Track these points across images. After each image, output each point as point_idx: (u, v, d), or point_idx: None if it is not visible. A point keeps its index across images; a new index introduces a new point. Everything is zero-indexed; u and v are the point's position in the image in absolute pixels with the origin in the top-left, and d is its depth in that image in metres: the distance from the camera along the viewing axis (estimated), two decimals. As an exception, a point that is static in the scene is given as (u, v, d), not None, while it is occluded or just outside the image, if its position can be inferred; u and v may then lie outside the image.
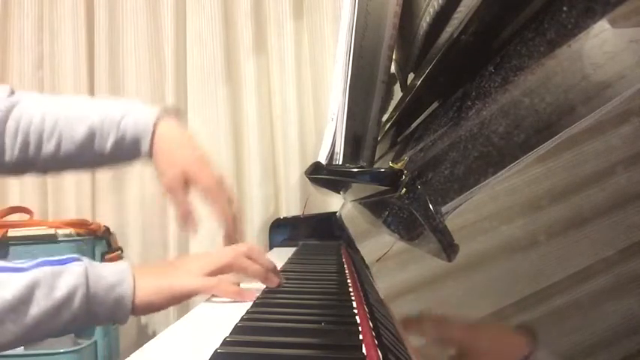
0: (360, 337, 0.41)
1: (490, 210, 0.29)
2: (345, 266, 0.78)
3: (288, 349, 0.39)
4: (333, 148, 0.63)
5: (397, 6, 0.62)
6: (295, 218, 1.37)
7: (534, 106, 0.27)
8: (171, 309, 1.48)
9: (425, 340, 0.33)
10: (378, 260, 0.56)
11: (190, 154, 0.75)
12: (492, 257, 0.27)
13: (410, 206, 0.43)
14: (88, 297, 0.55)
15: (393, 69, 0.73)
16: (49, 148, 0.73)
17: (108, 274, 0.57)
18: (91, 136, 0.74)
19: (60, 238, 1.30)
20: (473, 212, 0.31)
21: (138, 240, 1.56)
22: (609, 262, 0.18)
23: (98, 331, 1.36)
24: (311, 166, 0.68)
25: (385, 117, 0.74)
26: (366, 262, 0.64)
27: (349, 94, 0.61)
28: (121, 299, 0.56)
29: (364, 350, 0.38)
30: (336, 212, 1.29)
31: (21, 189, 1.58)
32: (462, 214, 0.32)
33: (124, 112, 0.75)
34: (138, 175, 1.54)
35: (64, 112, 0.75)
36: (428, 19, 0.56)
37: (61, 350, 1.25)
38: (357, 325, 0.45)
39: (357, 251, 0.75)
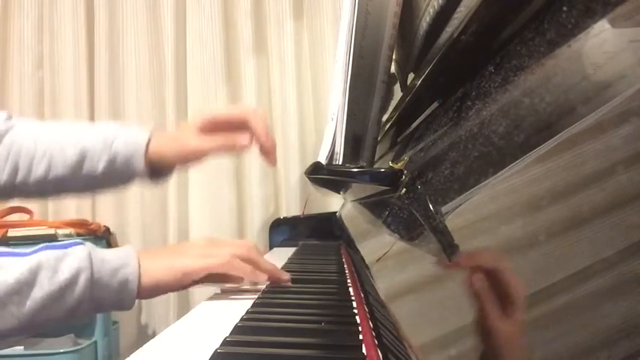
0: (360, 337, 0.41)
1: (490, 210, 0.29)
2: (345, 266, 0.78)
3: (288, 349, 0.39)
4: (333, 148, 0.63)
5: (397, 6, 0.62)
6: (295, 218, 1.37)
7: (534, 106, 0.27)
8: (171, 309, 1.48)
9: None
10: (378, 260, 0.56)
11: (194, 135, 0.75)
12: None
13: (410, 206, 0.43)
14: (92, 280, 0.54)
15: (393, 69, 0.73)
16: (38, 172, 0.73)
17: (111, 257, 0.56)
18: (81, 159, 0.73)
19: (60, 238, 1.30)
20: (473, 212, 0.31)
21: (138, 240, 1.56)
22: (609, 262, 0.18)
23: (98, 331, 1.36)
24: (311, 166, 0.68)
25: (385, 117, 0.74)
26: (366, 262, 0.64)
27: (349, 94, 0.61)
28: (126, 282, 0.56)
29: (364, 350, 0.38)
30: (336, 212, 1.29)
31: (21, 189, 1.58)
32: (462, 214, 0.32)
33: (116, 134, 0.75)
34: (138, 175, 1.54)
35: (56, 137, 0.75)
36: (428, 19, 0.56)
37: (61, 350, 1.25)
38: (357, 325, 0.45)
39: (357, 251, 0.75)
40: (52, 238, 1.29)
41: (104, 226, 1.44)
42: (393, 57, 0.67)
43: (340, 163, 0.62)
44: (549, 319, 0.20)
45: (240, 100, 1.54)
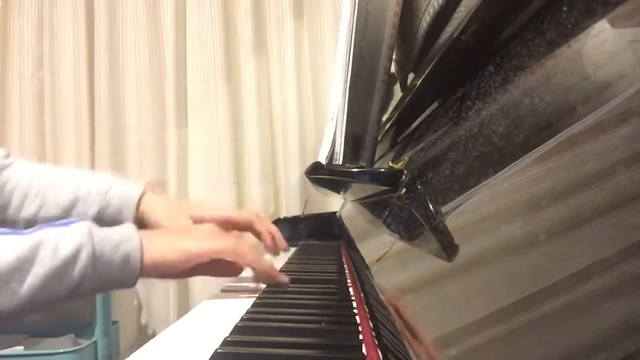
0: (360, 337, 0.41)
1: (490, 210, 0.29)
2: (345, 266, 0.78)
3: (288, 349, 0.39)
4: (333, 148, 0.63)
5: (397, 6, 0.62)
6: (295, 218, 1.37)
7: (534, 106, 0.27)
8: (171, 309, 1.48)
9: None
10: (378, 260, 0.56)
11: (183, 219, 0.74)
12: (492, 257, 0.27)
13: (410, 206, 0.43)
14: (94, 256, 0.53)
15: (393, 69, 0.73)
16: (29, 210, 0.74)
17: (112, 233, 0.56)
18: (74, 202, 0.74)
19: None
20: (473, 212, 0.31)
21: (138, 240, 1.56)
22: (609, 262, 0.18)
23: (98, 331, 1.36)
24: (311, 166, 0.68)
25: (385, 117, 0.74)
26: (366, 262, 0.64)
27: (349, 94, 0.61)
28: (128, 257, 0.55)
29: (364, 350, 0.38)
30: (336, 212, 1.29)
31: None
32: (462, 214, 0.32)
33: (112, 184, 0.77)
34: (138, 174, 1.54)
35: (51, 180, 0.76)
36: (428, 19, 0.56)
37: (61, 350, 1.25)
38: (357, 325, 0.45)
39: (357, 251, 0.75)
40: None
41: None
42: (393, 57, 0.67)
43: (340, 163, 0.62)
44: (549, 319, 0.20)
45: (240, 100, 1.54)
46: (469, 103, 0.38)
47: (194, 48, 1.53)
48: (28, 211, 0.74)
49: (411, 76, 0.73)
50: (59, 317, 1.38)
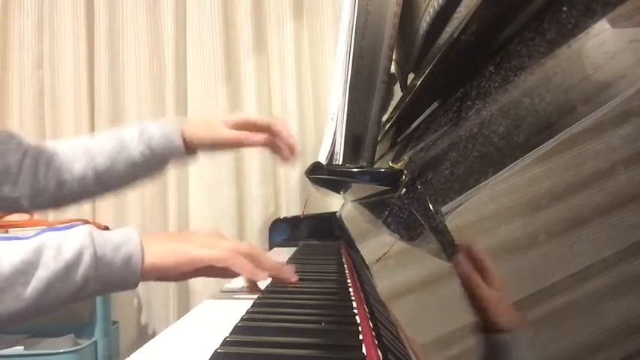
0: (360, 337, 0.41)
1: (490, 210, 0.29)
2: (345, 266, 0.78)
3: (288, 349, 0.39)
4: (333, 148, 0.63)
5: (397, 6, 0.62)
6: (295, 218, 1.37)
7: (534, 106, 0.27)
8: (171, 309, 1.48)
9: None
10: (378, 260, 0.56)
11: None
12: (492, 257, 0.27)
13: (410, 206, 0.43)
14: (96, 257, 0.54)
15: (393, 69, 0.73)
16: (79, 167, 0.79)
17: (113, 235, 0.57)
18: (119, 146, 0.81)
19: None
20: (473, 212, 0.31)
21: (138, 240, 1.56)
22: (609, 262, 0.18)
23: (98, 331, 1.36)
24: (311, 166, 0.68)
25: (385, 117, 0.74)
26: (366, 262, 0.64)
27: (349, 94, 0.61)
28: (129, 258, 0.55)
29: (364, 350, 0.38)
30: (336, 212, 1.29)
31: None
32: (462, 214, 0.32)
33: (149, 124, 0.83)
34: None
35: (90, 140, 0.83)
36: (428, 19, 0.56)
37: (61, 350, 1.25)
38: (357, 325, 0.45)
39: (357, 251, 0.75)
40: (52, 238, 1.29)
41: (104, 225, 1.44)
42: (393, 57, 0.67)
43: (340, 163, 0.62)
44: (549, 319, 0.20)
45: (240, 100, 1.54)
46: (469, 103, 0.38)
47: (194, 48, 1.53)
48: (78, 169, 0.79)
49: (411, 76, 0.73)
50: (59, 317, 1.38)
